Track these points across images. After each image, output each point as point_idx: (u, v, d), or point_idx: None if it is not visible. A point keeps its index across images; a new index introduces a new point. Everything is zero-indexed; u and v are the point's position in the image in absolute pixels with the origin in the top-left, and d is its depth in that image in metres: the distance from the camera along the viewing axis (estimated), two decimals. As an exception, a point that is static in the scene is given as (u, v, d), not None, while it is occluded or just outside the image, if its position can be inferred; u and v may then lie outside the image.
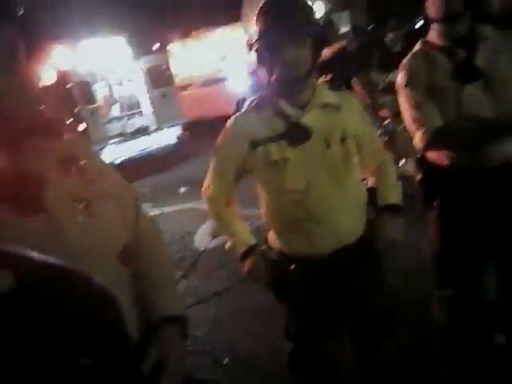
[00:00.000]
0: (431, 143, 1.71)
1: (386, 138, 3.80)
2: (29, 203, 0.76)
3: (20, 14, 0.82)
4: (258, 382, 2.31)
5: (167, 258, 1.25)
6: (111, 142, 8.05)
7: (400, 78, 1.81)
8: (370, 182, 1.67)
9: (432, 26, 1.76)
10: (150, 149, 8.44)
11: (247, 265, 1.58)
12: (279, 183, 1.48)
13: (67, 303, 0.68)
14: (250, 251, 1.58)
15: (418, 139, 1.74)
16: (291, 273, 1.55)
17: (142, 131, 8.47)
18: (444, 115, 1.71)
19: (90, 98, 7.96)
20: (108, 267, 0.88)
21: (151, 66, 8.66)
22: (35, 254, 0.70)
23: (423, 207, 1.88)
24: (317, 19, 1.49)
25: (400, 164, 4.15)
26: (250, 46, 1.50)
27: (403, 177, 3.90)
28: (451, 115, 1.70)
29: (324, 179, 1.48)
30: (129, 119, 8.67)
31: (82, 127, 7.44)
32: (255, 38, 1.46)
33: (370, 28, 5.41)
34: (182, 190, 6.40)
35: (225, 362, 2.44)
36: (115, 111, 9.34)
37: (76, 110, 7.58)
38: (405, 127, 1.89)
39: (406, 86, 1.77)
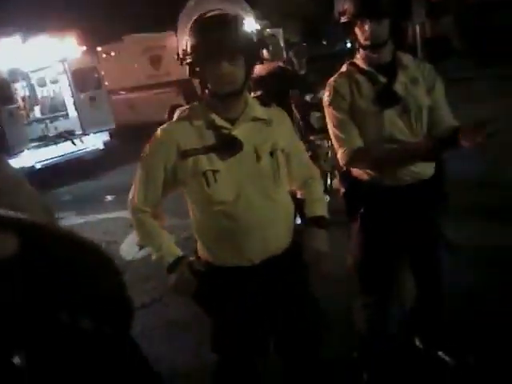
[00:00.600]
0: (349, 163, 1.83)
1: (310, 154, 3.93)
2: None
3: None
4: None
5: None
6: (31, 145, 7.54)
7: (325, 96, 1.90)
8: (299, 194, 1.71)
9: (358, 50, 1.86)
10: (75, 154, 8.00)
11: (174, 277, 1.55)
12: (208, 194, 1.48)
13: (69, 267, 0.67)
14: (176, 263, 1.55)
15: (339, 157, 1.85)
16: (218, 283, 1.54)
17: (66, 135, 8.02)
18: (365, 136, 1.82)
19: (8, 97, 7.41)
20: None
21: (77, 68, 8.25)
22: (38, 219, 0.67)
23: (347, 219, 1.97)
24: (250, 36, 1.50)
25: (328, 179, 4.33)
26: (182, 59, 1.48)
27: (331, 191, 4.09)
28: (371, 136, 1.81)
29: (253, 191, 1.50)
30: (51, 122, 8.18)
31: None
32: (187, 50, 1.44)
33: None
34: (108, 198, 6.17)
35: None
36: (37, 113, 8.82)
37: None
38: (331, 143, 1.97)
39: (329, 104, 1.86)
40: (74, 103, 8.33)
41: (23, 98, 8.68)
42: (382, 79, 1.80)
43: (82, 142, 8.10)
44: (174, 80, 9.52)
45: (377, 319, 1.99)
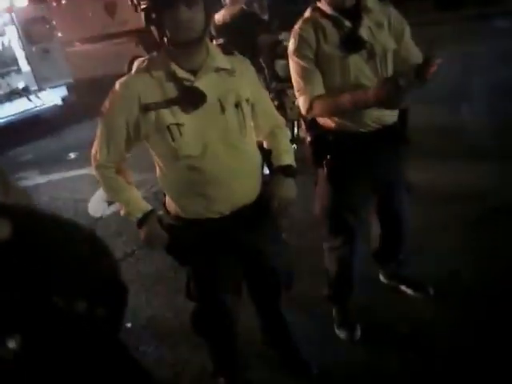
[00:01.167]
0: (308, 111, 1.83)
1: (276, 103, 3.90)
2: None
3: None
4: (163, 344, 2.35)
5: None
6: (-17, 103, 7.15)
7: (290, 44, 1.87)
8: (265, 144, 1.73)
9: None
10: (31, 111, 7.61)
11: (144, 231, 1.56)
12: (174, 148, 1.46)
13: (61, 251, 0.68)
14: (146, 218, 1.56)
15: (300, 105, 1.86)
16: (189, 236, 1.57)
17: (21, 91, 7.60)
18: (330, 82, 1.82)
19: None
20: None
21: (26, 18, 7.69)
22: (32, 206, 0.68)
23: (314, 167, 2.01)
24: None
25: (295, 127, 4.34)
26: (136, 6, 1.41)
27: (297, 139, 4.11)
28: (337, 82, 1.81)
29: (219, 143, 1.49)
30: (3, 78, 7.69)
31: None
32: None
33: None
34: (72, 155, 6.00)
35: (129, 326, 2.43)
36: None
37: None
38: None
39: (294, 52, 1.84)
40: (26, 57, 7.82)
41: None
42: (347, 24, 1.78)
43: (38, 97, 7.69)
44: (132, 29, 9.05)
45: (344, 259, 2.09)
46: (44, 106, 7.78)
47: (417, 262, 2.42)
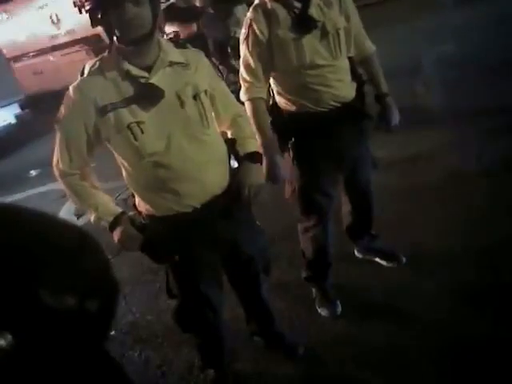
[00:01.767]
0: (242, 103, 1.90)
1: (235, 95, 3.92)
2: None
3: None
4: (147, 346, 2.34)
5: None
6: None
7: (242, 33, 1.89)
8: (229, 133, 1.74)
9: None
10: (-16, 133, 7.39)
11: (117, 234, 1.55)
12: (137, 147, 1.46)
13: (44, 245, 0.66)
14: (117, 220, 1.55)
15: (241, 94, 1.94)
16: (163, 233, 1.57)
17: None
18: (286, 64, 1.85)
19: None
20: None
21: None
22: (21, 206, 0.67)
23: (279, 150, 2.03)
24: None
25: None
26: (80, 7, 1.39)
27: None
28: (293, 64, 1.85)
29: (182, 137, 1.50)
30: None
31: None
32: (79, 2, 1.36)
33: None
34: (33, 173, 5.84)
35: (112, 333, 2.41)
36: None
37: None
38: None
39: (244, 41, 1.87)
40: (-29, 77, 7.57)
41: None
42: (297, 4, 1.80)
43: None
44: (79, 38, 8.85)
45: (318, 238, 2.14)
46: (-3, 126, 7.53)
47: (388, 235, 2.49)
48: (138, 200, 1.63)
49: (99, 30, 1.45)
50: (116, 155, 1.55)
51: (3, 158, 6.90)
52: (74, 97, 1.44)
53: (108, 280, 0.73)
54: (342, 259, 2.40)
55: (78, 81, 1.47)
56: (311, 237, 2.15)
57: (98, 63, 1.47)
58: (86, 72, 1.47)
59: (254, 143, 1.72)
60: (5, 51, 8.49)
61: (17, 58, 9.43)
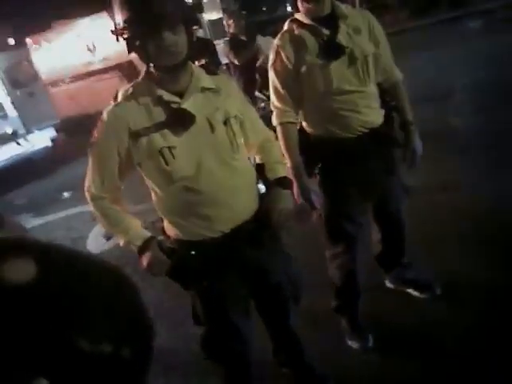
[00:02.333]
0: (275, 130, 1.92)
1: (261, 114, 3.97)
2: None
3: None
4: (174, 375, 2.30)
5: None
6: (-28, 151, 7.16)
7: (270, 58, 1.90)
8: (258, 159, 1.73)
9: (299, 5, 1.86)
10: (22, 155, 7.63)
11: (146, 259, 1.54)
12: (168, 172, 1.46)
13: (83, 290, 0.64)
14: (146, 244, 1.54)
15: (273, 118, 1.95)
16: (191, 258, 1.55)
17: (9, 137, 7.63)
18: (314, 90, 1.85)
19: None
20: None
21: (10, 64, 7.78)
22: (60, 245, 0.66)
23: (307, 176, 2.01)
24: (187, 4, 1.46)
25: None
26: (118, 34, 1.43)
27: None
28: (321, 89, 1.84)
29: (212, 162, 1.49)
30: (-9, 124, 7.75)
31: None
32: (122, 24, 1.39)
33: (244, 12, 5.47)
34: (66, 195, 5.99)
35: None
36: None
37: None
38: None
39: (271, 67, 1.89)
40: (12, 102, 7.90)
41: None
42: (325, 31, 1.81)
43: (27, 141, 7.74)
44: (113, 65, 9.18)
45: (346, 266, 2.08)
46: (34, 149, 7.81)
47: (421, 264, 2.40)
48: (166, 224, 1.62)
49: (132, 56, 1.48)
50: (146, 179, 1.56)
51: (39, 179, 7.12)
52: (107, 121, 1.47)
53: (144, 325, 0.73)
54: (373, 289, 2.32)
55: (111, 106, 1.49)
56: (339, 264, 2.10)
57: (131, 89, 1.49)
58: (119, 97, 1.50)
59: (283, 168, 1.70)
60: (43, 77, 8.86)
61: (54, 84, 9.82)
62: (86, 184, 1.55)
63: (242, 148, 1.57)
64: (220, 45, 4.99)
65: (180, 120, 1.45)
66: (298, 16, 1.88)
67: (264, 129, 1.74)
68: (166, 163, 1.45)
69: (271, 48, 1.93)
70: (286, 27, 1.90)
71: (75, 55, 9.93)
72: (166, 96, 1.45)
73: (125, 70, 8.78)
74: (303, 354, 1.99)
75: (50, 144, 8.02)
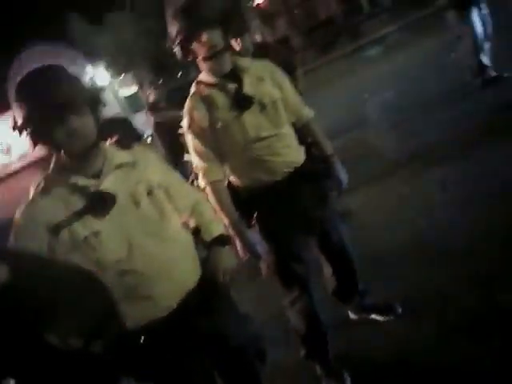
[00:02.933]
0: (204, 190, 1.93)
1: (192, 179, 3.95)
2: None
3: None
4: None
5: None
6: None
7: (184, 122, 1.92)
8: (191, 223, 1.69)
9: (201, 66, 1.93)
10: None
11: None
12: (98, 259, 1.36)
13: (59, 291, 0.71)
14: None
15: (200, 181, 1.96)
16: (142, 347, 1.42)
17: None
18: (233, 142, 1.89)
19: None
20: None
21: None
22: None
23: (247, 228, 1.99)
24: (86, 83, 1.43)
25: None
26: (20, 129, 1.36)
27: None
28: (239, 141, 1.88)
29: (144, 238, 1.43)
30: None
31: None
32: (19, 120, 1.33)
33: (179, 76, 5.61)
34: None
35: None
36: None
37: None
38: None
39: (188, 130, 1.92)
40: None
41: None
42: (231, 85, 1.87)
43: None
44: (33, 160, 8.92)
45: (306, 309, 2.04)
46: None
47: (375, 287, 2.41)
48: None
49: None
50: None
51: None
52: (22, 222, 1.36)
53: (113, 322, 0.83)
54: (338, 325, 2.28)
55: (23, 206, 1.39)
56: (298, 310, 2.05)
57: (42, 182, 1.42)
58: (30, 194, 1.41)
59: (219, 226, 1.68)
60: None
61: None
62: None
63: (172, 216, 1.53)
64: (138, 117, 5.04)
65: (100, 203, 1.39)
66: (202, 77, 1.93)
67: (192, 191, 1.73)
68: (94, 250, 1.36)
69: (183, 112, 1.95)
70: (193, 89, 1.94)
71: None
72: (82, 181, 1.39)
73: (46, 162, 8.52)
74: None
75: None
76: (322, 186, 2.09)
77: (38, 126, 1.33)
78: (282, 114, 1.96)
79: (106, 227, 1.39)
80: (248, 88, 1.89)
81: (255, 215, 1.94)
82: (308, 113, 2.15)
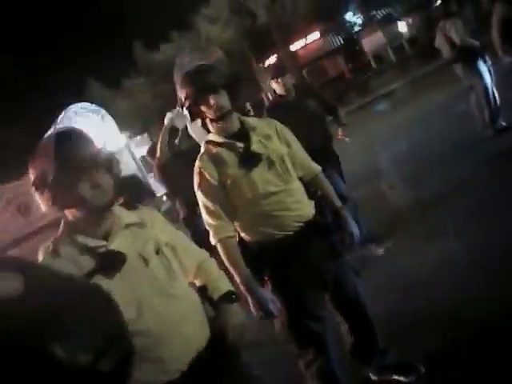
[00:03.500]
0: (214, 247, 1.92)
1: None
2: None
3: None
4: None
5: None
6: None
7: (195, 180, 1.96)
8: (197, 282, 1.67)
9: (210, 127, 1.99)
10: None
11: None
12: None
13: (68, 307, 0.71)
14: None
15: (210, 237, 1.95)
16: None
17: None
18: (242, 198, 1.91)
19: None
20: None
21: None
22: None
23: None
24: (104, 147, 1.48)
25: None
26: (39, 192, 1.38)
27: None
28: (248, 196, 1.91)
29: (153, 297, 1.41)
30: None
31: None
32: (42, 180, 1.35)
33: None
34: None
35: None
36: None
37: None
38: None
39: (198, 189, 1.95)
40: None
41: None
42: (240, 144, 1.93)
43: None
44: (52, 220, 9.06)
45: (324, 370, 1.95)
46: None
47: (398, 344, 2.30)
48: None
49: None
50: None
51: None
52: None
53: (122, 341, 0.76)
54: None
55: (32, 271, 1.39)
56: (316, 372, 1.96)
57: (51, 245, 1.42)
58: (40, 258, 1.42)
59: (226, 283, 1.65)
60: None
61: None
62: None
63: (179, 274, 1.52)
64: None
65: (110, 263, 1.39)
66: (211, 137, 1.99)
67: (198, 250, 1.72)
68: None
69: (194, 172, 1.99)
70: (202, 149, 2.00)
71: (9, 220, 9.75)
72: (91, 242, 1.40)
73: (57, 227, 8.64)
74: None
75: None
76: (333, 239, 2.06)
77: (62, 182, 1.34)
78: (290, 169, 1.99)
79: (116, 287, 1.37)
80: (256, 146, 1.94)
81: (267, 272, 1.91)
82: (315, 166, 2.18)
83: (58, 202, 1.39)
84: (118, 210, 1.51)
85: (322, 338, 1.95)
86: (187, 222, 3.89)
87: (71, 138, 1.40)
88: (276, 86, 3.46)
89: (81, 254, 1.39)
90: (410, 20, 20.93)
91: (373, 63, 22.46)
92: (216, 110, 1.90)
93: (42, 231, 9.35)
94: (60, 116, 1.47)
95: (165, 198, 5.63)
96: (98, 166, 1.38)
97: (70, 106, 1.51)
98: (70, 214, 1.42)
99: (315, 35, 22.94)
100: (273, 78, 3.46)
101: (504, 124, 4.86)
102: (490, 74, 4.82)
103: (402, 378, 2.18)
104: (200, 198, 1.95)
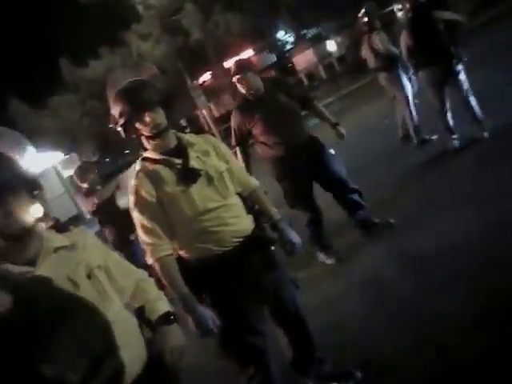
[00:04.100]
0: (151, 266, 1.90)
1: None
2: None
3: None
4: None
5: None
6: None
7: (130, 200, 1.91)
8: (135, 303, 1.61)
9: (146, 144, 1.96)
10: None
11: None
12: None
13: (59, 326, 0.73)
14: None
15: (147, 256, 1.92)
16: None
17: None
18: (182, 215, 1.89)
19: None
20: None
21: None
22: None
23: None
24: (21, 167, 1.41)
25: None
26: None
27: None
28: (188, 214, 1.89)
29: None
30: None
31: None
32: None
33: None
34: None
35: None
36: None
37: None
38: None
39: (134, 207, 1.90)
40: None
41: None
42: (177, 161, 1.91)
43: None
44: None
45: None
46: None
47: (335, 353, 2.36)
48: None
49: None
50: None
51: None
52: None
53: (114, 362, 0.85)
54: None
55: None
56: None
57: None
58: None
59: (164, 304, 1.61)
60: None
61: None
62: None
63: (113, 297, 1.46)
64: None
65: (32, 290, 1.30)
66: (147, 154, 1.96)
67: (134, 269, 1.67)
68: None
69: (129, 190, 1.94)
70: (138, 167, 1.95)
71: None
72: (14, 269, 1.30)
73: None
74: None
75: None
76: (270, 251, 2.09)
77: None
78: (228, 185, 2.00)
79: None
80: (194, 162, 1.93)
81: (206, 289, 1.89)
82: (254, 181, 2.22)
83: None
84: (48, 234, 1.44)
85: (262, 352, 1.95)
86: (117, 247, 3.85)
87: None
88: (240, 86, 3.30)
89: (3, 284, 1.29)
90: (339, 39, 21.92)
91: (305, 80, 23.21)
92: (152, 127, 1.88)
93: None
94: None
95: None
96: (11, 191, 1.30)
97: None
98: None
99: (249, 52, 23.38)
100: (234, 75, 3.28)
101: (427, 137, 5.07)
102: (412, 86, 5.12)
103: (341, 386, 2.23)
104: (136, 216, 1.91)
